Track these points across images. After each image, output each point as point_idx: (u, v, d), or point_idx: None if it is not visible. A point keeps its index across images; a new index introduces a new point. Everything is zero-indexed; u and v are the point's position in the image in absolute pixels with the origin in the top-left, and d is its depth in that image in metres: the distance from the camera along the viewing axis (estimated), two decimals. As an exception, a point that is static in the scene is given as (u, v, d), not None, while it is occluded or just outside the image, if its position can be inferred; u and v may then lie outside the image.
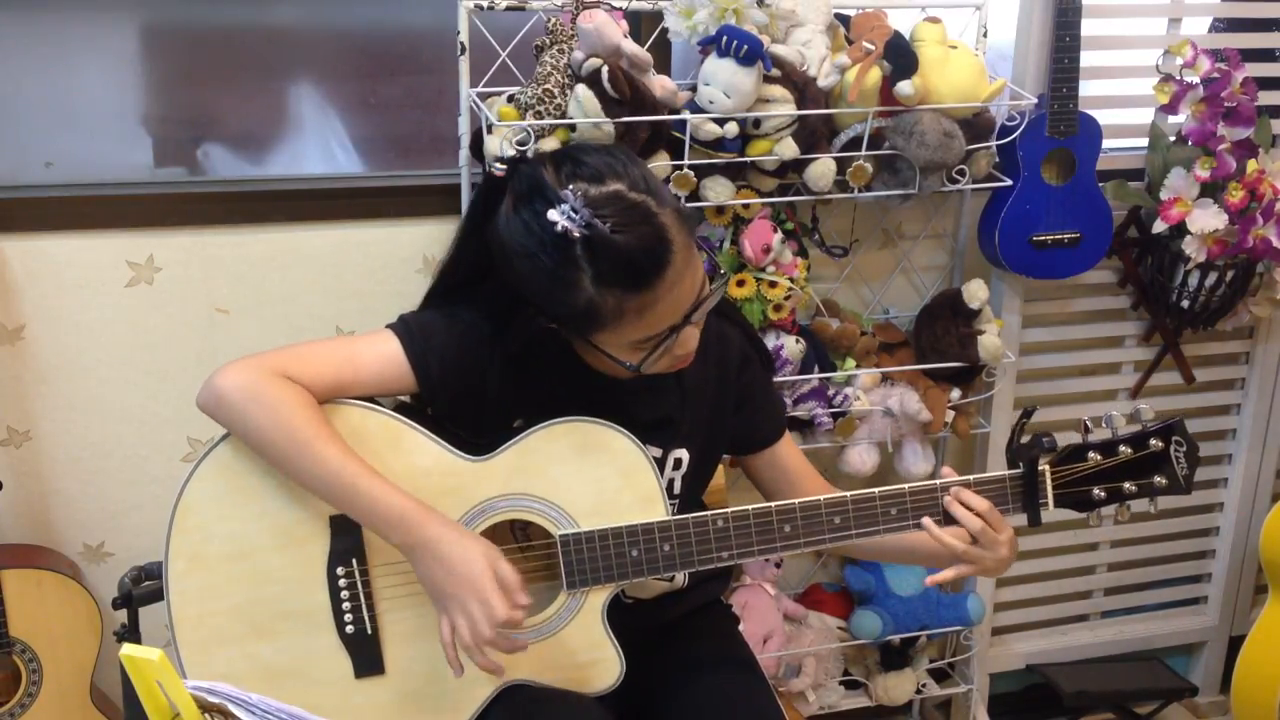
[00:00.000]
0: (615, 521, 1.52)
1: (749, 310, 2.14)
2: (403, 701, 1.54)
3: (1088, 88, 2.31)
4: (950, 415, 2.38)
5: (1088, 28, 2.24)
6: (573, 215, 1.38)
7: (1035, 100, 2.23)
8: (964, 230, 2.44)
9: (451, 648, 1.45)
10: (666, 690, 1.65)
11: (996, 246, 2.31)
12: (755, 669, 1.71)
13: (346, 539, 1.51)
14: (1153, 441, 1.58)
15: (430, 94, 2.31)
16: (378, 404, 1.54)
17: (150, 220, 2.11)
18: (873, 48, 2.06)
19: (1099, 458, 1.58)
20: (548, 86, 1.96)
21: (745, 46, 1.94)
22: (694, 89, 2.04)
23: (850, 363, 2.29)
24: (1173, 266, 2.44)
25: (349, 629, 1.53)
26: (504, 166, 1.49)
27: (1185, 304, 2.46)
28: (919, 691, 2.60)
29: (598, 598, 1.55)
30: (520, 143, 1.92)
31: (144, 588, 1.70)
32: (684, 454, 1.64)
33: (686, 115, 1.99)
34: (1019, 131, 2.21)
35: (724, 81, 1.97)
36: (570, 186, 1.41)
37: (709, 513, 1.53)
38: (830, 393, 2.27)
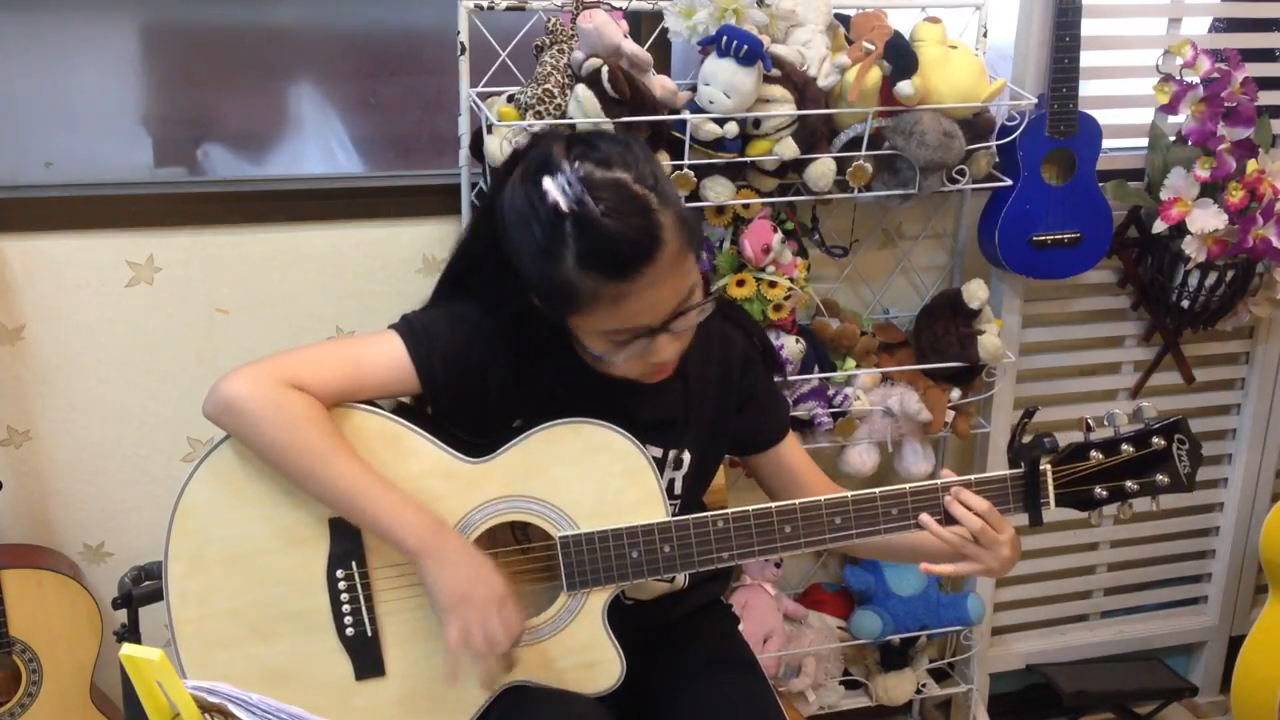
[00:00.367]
0: (616, 523, 1.52)
1: (749, 310, 2.14)
2: (403, 703, 1.54)
3: (1088, 88, 2.31)
4: (950, 415, 2.38)
5: (1088, 28, 2.24)
6: (566, 189, 1.39)
7: (1035, 100, 2.23)
8: (964, 230, 2.44)
9: (458, 653, 1.45)
10: (667, 691, 1.65)
11: (996, 246, 2.31)
12: (755, 669, 1.71)
13: (346, 542, 1.51)
14: (1155, 439, 1.58)
15: (430, 94, 2.31)
16: (377, 406, 1.54)
17: (150, 220, 2.11)
18: (873, 48, 2.06)
19: (1101, 456, 1.58)
20: (548, 86, 1.96)
21: (745, 46, 1.94)
22: (694, 89, 2.04)
23: (850, 363, 2.29)
24: (1173, 266, 2.44)
25: (349, 631, 1.52)
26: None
27: (1185, 304, 2.46)
28: (919, 691, 2.60)
29: (598, 599, 1.55)
30: (520, 143, 1.92)
31: (144, 588, 1.70)
32: (685, 454, 1.64)
33: (686, 115, 1.99)
34: (1019, 131, 2.21)
35: (724, 81, 1.97)
36: (576, 165, 1.41)
37: (709, 514, 1.53)
38: (830, 393, 2.27)
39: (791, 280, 2.15)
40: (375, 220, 2.20)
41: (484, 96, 2.05)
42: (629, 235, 1.39)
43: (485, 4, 2.02)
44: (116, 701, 2.12)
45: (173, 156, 2.26)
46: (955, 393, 2.37)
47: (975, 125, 2.18)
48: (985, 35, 2.28)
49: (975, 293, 2.30)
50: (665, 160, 2.03)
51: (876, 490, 1.56)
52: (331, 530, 1.51)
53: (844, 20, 2.15)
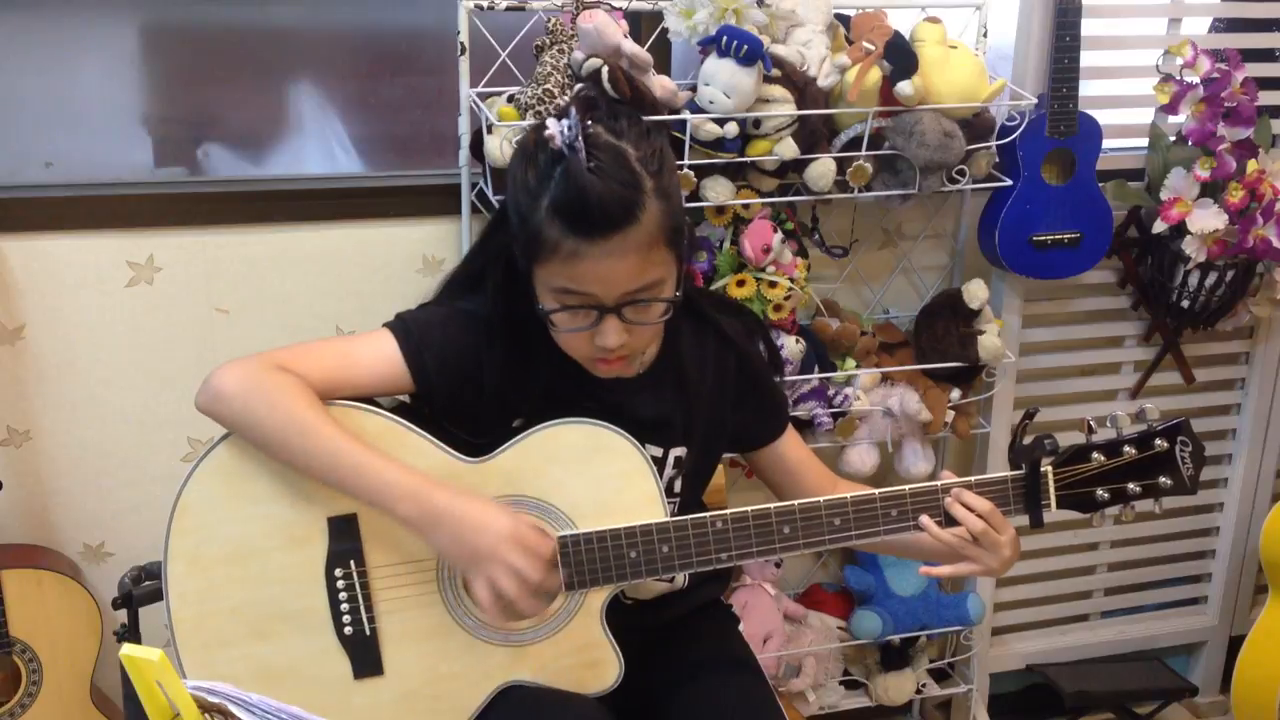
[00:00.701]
0: (614, 523, 1.52)
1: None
2: (401, 702, 1.54)
3: (1088, 88, 2.31)
4: (950, 415, 2.38)
5: (1088, 28, 2.24)
6: (564, 132, 1.39)
7: (1035, 100, 2.23)
8: (964, 230, 2.44)
9: (494, 608, 1.44)
10: (667, 690, 1.65)
11: (996, 246, 2.31)
12: (755, 669, 1.71)
13: (345, 541, 1.51)
14: (1158, 441, 1.58)
15: (430, 94, 2.31)
16: (376, 405, 1.54)
17: (150, 220, 2.11)
18: (873, 48, 2.06)
19: (1103, 458, 1.58)
20: (548, 86, 1.96)
21: (745, 46, 1.94)
22: (694, 89, 2.04)
23: (850, 363, 2.29)
24: (1173, 266, 2.44)
25: (347, 630, 1.52)
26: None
27: (1185, 304, 2.46)
28: (919, 691, 2.60)
29: (596, 598, 1.55)
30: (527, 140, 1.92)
31: (144, 588, 1.70)
32: (684, 453, 1.64)
33: (686, 115, 1.99)
34: (1019, 131, 2.21)
35: (724, 81, 1.97)
36: (588, 122, 1.41)
37: (708, 514, 1.53)
38: (830, 393, 2.27)
39: (791, 280, 2.15)
40: (375, 220, 2.20)
41: (484, 96, 2.05)
42: (603, 195, 1.38)
43: (485, 4, 2.02)
44: (116, 701, 2.12)
45: (173, 156, 2.26)
46: (955, 393, 2.37)
47: (975, 125, 2.18)
48: (985, 35, 2.29)
49: (975, 293, 2.30)
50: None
51: (876, 491, 1.56)
52: (330, 529, 1.51)
53: (844, 20, 2.15)
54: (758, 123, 2.03)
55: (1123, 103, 2.47)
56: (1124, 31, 2.47)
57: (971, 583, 2.59)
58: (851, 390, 2.28)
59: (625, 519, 1.52)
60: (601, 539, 1.51)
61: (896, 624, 2.47)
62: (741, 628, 1.88)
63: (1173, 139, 2.41)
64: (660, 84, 2.00)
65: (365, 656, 1.53)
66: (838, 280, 2.41)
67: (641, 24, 2.17)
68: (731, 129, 2.00)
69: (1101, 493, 1.58)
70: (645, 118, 1.88)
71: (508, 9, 2.04)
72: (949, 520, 1.56)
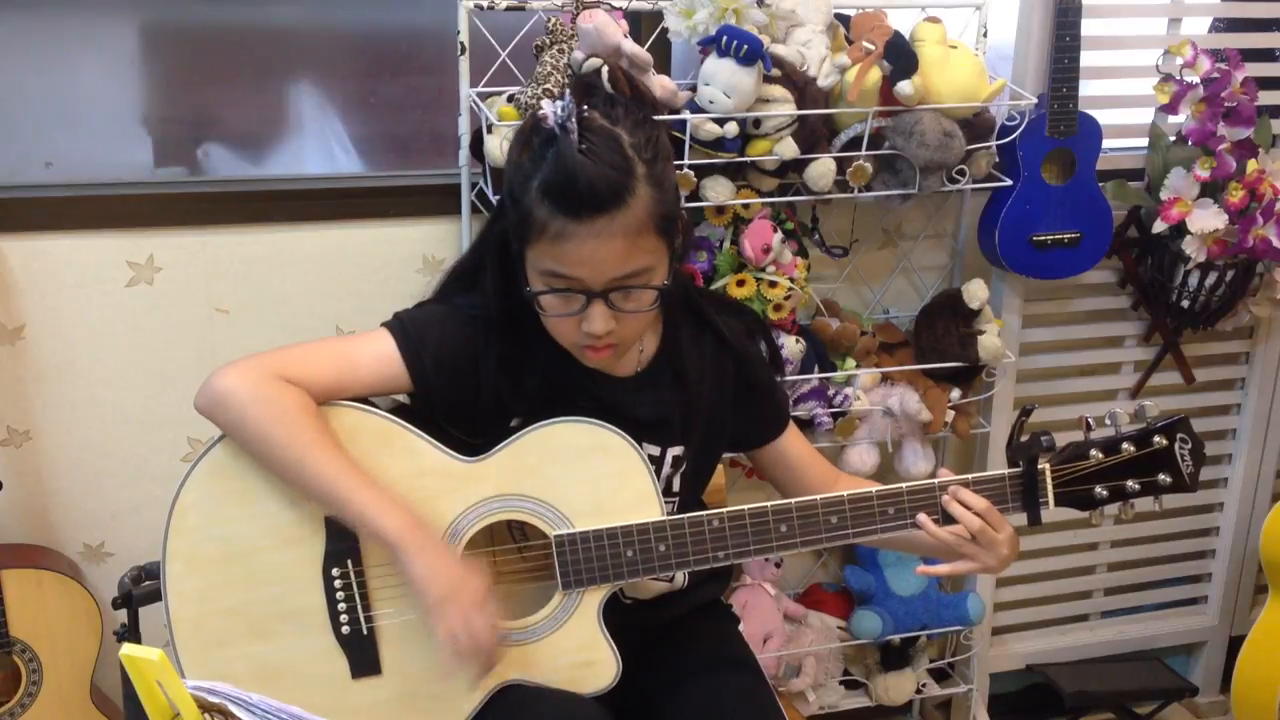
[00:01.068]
0: (611, 522, 1.52)
1: (748, 310, 2.14)
2: (399, 702, 1.54)
3: (1088, 88, 2.31)
4: (950, 415, 2.38)
5: (1088, 28, 2.24)
6: (558, 113, 1.40)
7: (1035, 100, 2.23)
8: (964, 230, 2.44)
9: (449, 649, 1.45)
10: (666, 690, 1.64)
11: (996, 246, 2.31)
12: (755, 669, 1.71)
13: (342, 540, 1.51)
14: (1157, 439, 1.57)
15: (430, 94, 2.31)
16: (373, 405, 1.54)
17: (150, 220, 2.11)
18: (873, 48, 2.06)
19: (1101, 456, 1.57)
20: (547, 86, 1.96)
21: (745, 46, 1.94)
22: (694, 89, 2.04)
23: (850, 363, 2.29)
24: (1173, 266, 2.44)
25: (345, 629, 1.52)
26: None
27: (1185, 304, 2.46)
28: (919, 691, 2.60)
29: (594, 598, 1.55)
30: (526, 123, 1.92)
31: (144, 588, 1.70)
32: (681, 452, 1.64)
33: (686, 115, 1.99)
34: (1019, 131, 2.21)
35: (724, 81, 1.97)
36: (585, 106, 1.42)
37: (705, 513, 1.53)
38: (830, 393, 2.27)
39: (791, 280, 2.15)
40: (375, 220, 2.20)
41: (484, 96, 2.05)
42: (592, 176, 1.39)
43: (485, 4, 2.02)
44: (116, 701, 2.12)
45: (173, 156, 2.26)
46: (955, 393, 2.37)
47: (975, 125, 2.18)
48: (985, 35, 2.29)
49: (975, 293, 2.30)
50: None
51: (873, 489, 1.56)
52: (327, 528, 1.51)
53: (844, 20, 2.15)
54: (758, 123, 2.03)
55: (1123, 103, 2.47)
56: (1124, 31, 2.47)
57: (971, 582, 2.59)
58: (851, 390, 2.28)
59: (622, 518, 1.52)
60: (598, 538, 1.52)
61: (896, 624, 2.47)
62: (741, 628, 1.88)
63: (1173, 139, 2.41)
64: (660, 84, 2.00)
65: (363, 656, 1.53)
66: (838, 280, 2.41)
67: (641, 24, 2.17)
68: (731, 129, 2.00)
69: (1100, 490, 1.58)
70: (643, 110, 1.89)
71: (508, 9, 2.04)
72: (946, 518, 1.56)
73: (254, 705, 1.01)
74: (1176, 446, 1.58)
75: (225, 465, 1.50)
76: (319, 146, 2.33)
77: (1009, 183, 2.27)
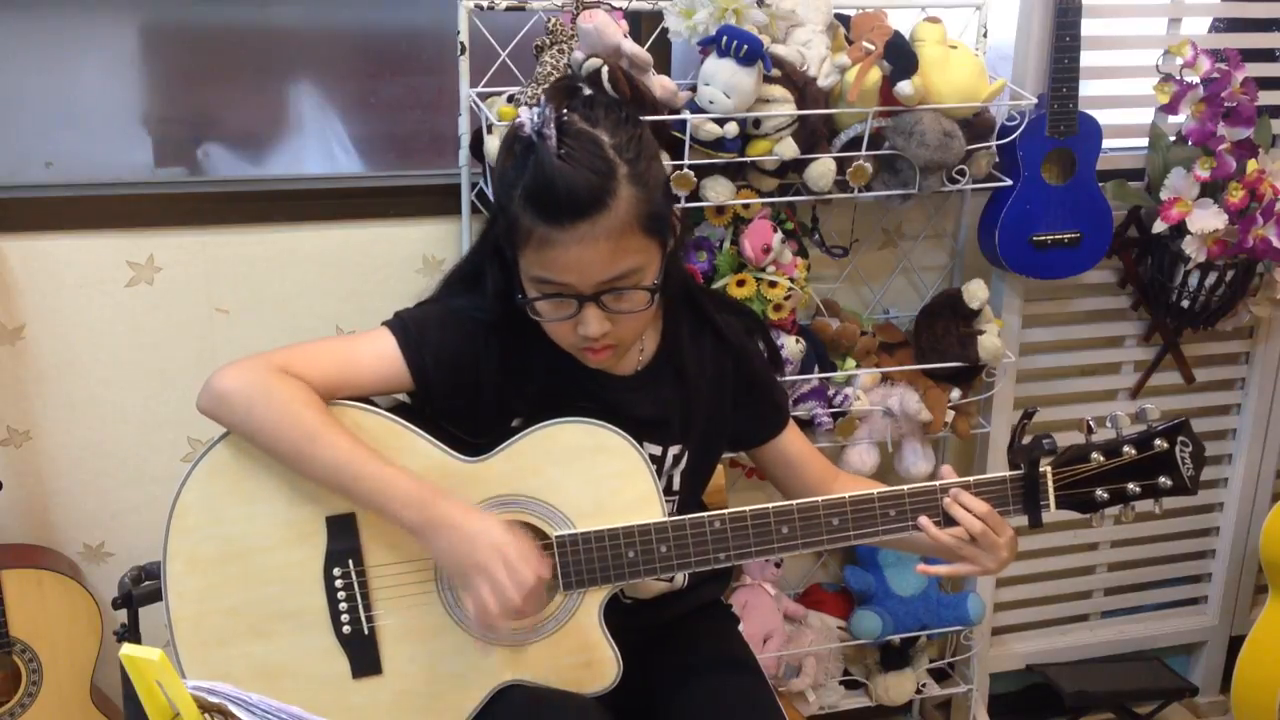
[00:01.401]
0: (612, 522, 1.52)
1: (748, 310, 2.14)
2: (400, 702, 1.54)
3: (1088, 88, 2.31)
4: (950, 415, 2.38)
5: (1088, 28, 2.24)
6: (534, 119, 1.40)
7: (1035, 100, 2.23)
8: (964, 230, 2.44)
9: (480, 621, 1.44)
10: (666, 690, 1.65)
11: (996, 246, 2.31)
12: (755, 669, 1.71)
13: (343, 540, 1.51)
14: (1158, 442, 1.57)
15: (430, 94, 2.31)
16: (374, 404, 1.54)
17: (150, 220, 2.11)
18: (873, 48, 2.06)
19: (1102, 458, 1.57)
20: (547, 87, 1.96)
21: (745, 46, 1.94)
22: (694, 89, 2.04)
23: (850, 363, 2.29)
24: (1173, 266, 2.44)
25: (346, 629, 1.53)
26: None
27: (1185, 304, 2.46)
28: (919, 691, 2.60)
29: (594, 598, 1.55)
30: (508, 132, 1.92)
31: (144, 588, 1.70)
32: (682, 450, 1.64)
33: (686, 115, 1.99)
34: (1019, 131, 2.21)
35: (724, 81, 1.97)
36: (564, 110, 1.42)
37: (706, 514, 1.53)
38: (830, 393, 2.27)
39: (791, 280, 2.15)
40: (375, 220, 2.20)
41: (484, 96, 2.05)
42: (570, 182, 1.39)
43: (485, 4, 2.02)
44: (116, 701, 2.12)
45: (173, 156, 2.26)
46: (955, 393, 2.37)
47: (975, 125, 2.18)
48: (985, 35, 2.29)
49: (975, 293, 2.30)
50: (665, 160, 2.03)
51: (874, 491, 1.56)
52: (329, 528, 1.51)
53: (844, 20, 2.15)
54: (758, 123, 2.03)
55: (1123, 103, 2.47)
56: (1124, 31, 2.47)
57: (971, 582, 2.59)
58: (851, 390, 2.28)
59: (623, 519, 1.52)
60: (600, 538, 1.52)
61: (896, 624, 2.47)
62: (741, 628, 1.88)
63: (1173, 139, 2.41)
64: (660, 84, 2.00)
65: (364, 656, 1.53)
66: (838, 280, 2.41)
67: (641, 24, 2.17)
68: (731, 129, 2.00)
69: (1101, 493, 1.58)
70: (644, 117, 1.90)
71: (508, 9, 2.04)
72: (948, 520, 1.56)
73: (254, 705, 1.01)
74: (1177, 449, 1.58)
75: (226, 465, 1.50)
76: (319, 146, 2.33)
77: (1009, 183, 2.27)
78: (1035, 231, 2.30)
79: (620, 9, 2.03)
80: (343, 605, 1.52)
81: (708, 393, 1.65)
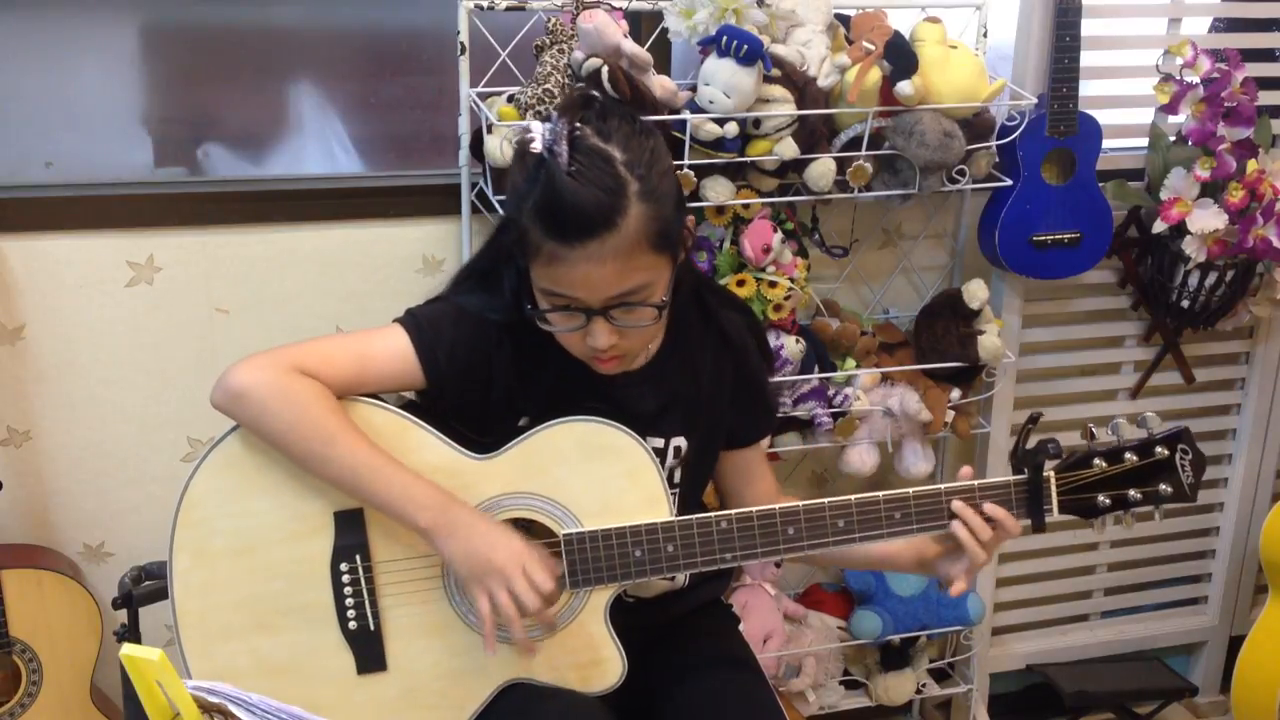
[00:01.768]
0: (619, 521, 1.52)
1: (748, 311, 2.14)
2: (405, 698, 1.55)
3: (1088, 88, 2.31)
4: (950, 415, 2.38)
5: (1088, 28, 2.24)
6: (546, 135, 1.40)
7: (1035, 100, 2.23)
8: (964, 230, 2.44)
9: (490, 622, 1.45)
10: (666, 690, 1.65)
11: (996, 246, 2.31)
12: (755, 669, 1.71)
13: (350, 535, 1.51)
14: (1158, 449, 1.57)
15: (430, 94, 2.31)
16: (384, 401, 1.54)
17: (150, 220, 2.11)
18: (873, 48, 2.06)
19: (1104, 464, 1.57)
20: (548, 86, 1.96)
21: (745, 46, 1.94)
22: (694, 89, 2.04)
23: (850, 363, 2.29)
24: (1173, 266, 2.44)
25: (352, 625, 1.53)
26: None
27: (1185, 304, 2.46)
28: (919, 691, 2.60)
29: (600, 597, 1.55)
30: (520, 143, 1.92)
31: (144, 587, 1.70)
32: (683, 442, 1.64)
33: (686, 115, 1.99)
34: (1019, 131, 2.21)
35: (724, 81, 1.97)
36: (577, 124, 1.42)
37: (712, 514, 1.53)
38: (830, 393, 2.27)
39: (791, 280, 2.15)
40: (375, 220, 2.20)
41: (484, 96, 2.05)
42: (580, 201, 1.39)
43: (485, 4, 2.02)
44: (116, 701, 2.12)
45: (173, 156, 2.26)
46: (955, 393, 2.37)
47: (975, 125, 2.18)
48: (985, 35, 2.29)
49: (975, 293, 2.30)
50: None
51: (880, 494, 1.56)
52: (336, 524, 1.51)
53: (844, 20, 2.15)
54: (758, 123, 2.03)
55: (1123, 103, 2.47)
56: (1124, 31, 2.47)
57: (971, 582, 2.59)
58: (851, 390, 2.28)
59: (630, 518, 1.52)
60: (606, 537, 1.52)
61: (896, 624, 2.47)
62: (741, 628, 1.88)
63: (1173, 139, 2.41)
64: (660, 84, 2.00)
65: (369, 652, 1.53)
66: (838, 280, 2.41)
67: (641, 24, 2.17)
68: (731, 129, 2.00)
69: (1103, 499, 1.58)
70: (645, 118, 1.90)
71: (508, 9, 2.04)
72: (951, 516, 1.57)
73: (254, 705, 1.01)
74: (1177, 457, 1.58)
75: (235, 459, 1.50)
76: (319, 146, 2.33)
77: (1009, 183, 2.27)
78: (1035, 231, 2.30)
79: (620, 9, 2.03)
80: (349, 601, 1.52)
81: (708, 387, 1.65)
